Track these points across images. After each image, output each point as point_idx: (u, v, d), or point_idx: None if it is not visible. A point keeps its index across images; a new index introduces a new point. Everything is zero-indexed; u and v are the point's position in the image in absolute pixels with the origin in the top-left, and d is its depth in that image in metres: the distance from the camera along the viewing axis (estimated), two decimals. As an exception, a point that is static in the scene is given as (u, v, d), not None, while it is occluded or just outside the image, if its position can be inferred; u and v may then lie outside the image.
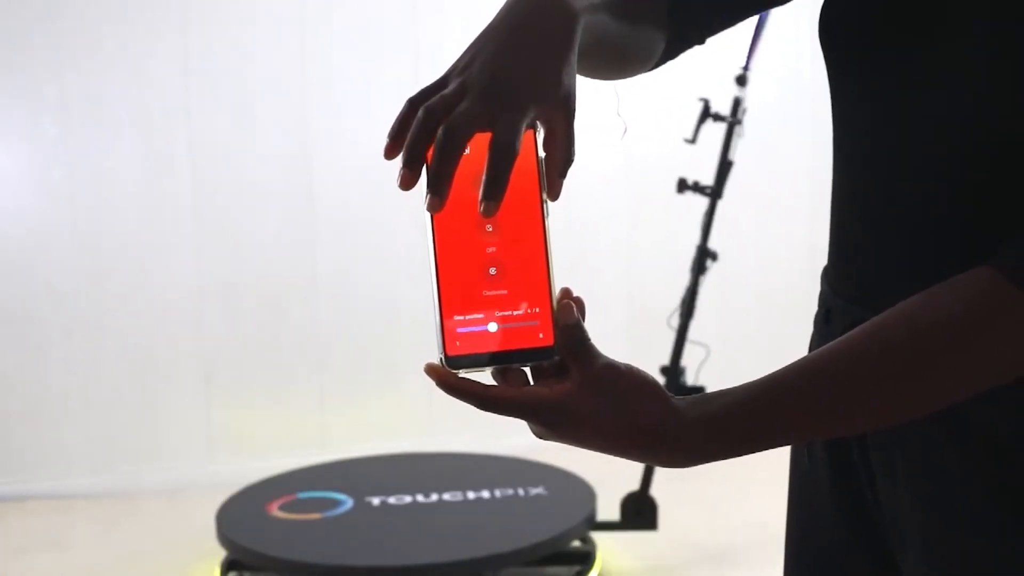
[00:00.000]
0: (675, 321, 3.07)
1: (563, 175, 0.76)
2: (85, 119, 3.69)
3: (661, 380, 1.67)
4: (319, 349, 3.91)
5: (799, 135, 4.09)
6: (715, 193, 3.04)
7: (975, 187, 0.81)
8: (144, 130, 3.75)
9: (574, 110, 0.76)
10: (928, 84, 0.84)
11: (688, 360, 3.08)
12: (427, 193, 0.72)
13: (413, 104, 0.75)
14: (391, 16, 3.88)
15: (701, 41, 0.99)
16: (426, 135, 0.72)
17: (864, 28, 0.90)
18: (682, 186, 3.03)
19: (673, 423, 0.74)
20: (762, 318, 4.17)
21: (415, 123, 0.73)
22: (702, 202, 3.11)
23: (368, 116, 3.75)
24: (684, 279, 3.11)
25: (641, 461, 0.77)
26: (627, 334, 3.90)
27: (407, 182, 0.73)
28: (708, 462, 0.76)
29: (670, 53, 0.99)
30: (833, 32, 0.93)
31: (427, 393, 3.80)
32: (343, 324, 3.92)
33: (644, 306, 3.97)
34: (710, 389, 0.81)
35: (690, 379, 3.09)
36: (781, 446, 0.80)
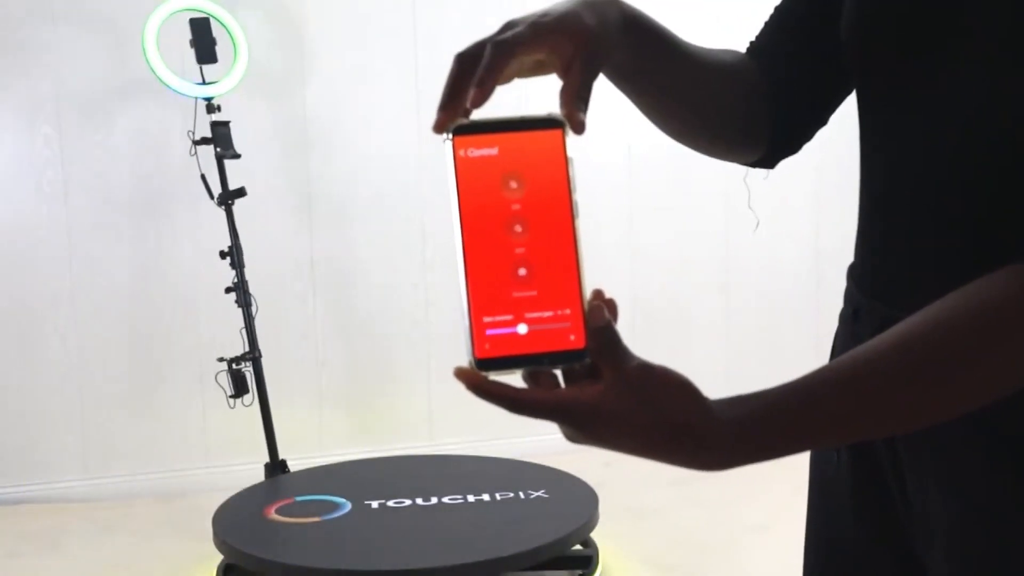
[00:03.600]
0: None
1: (581, 108, 0.75)
2: (80, 118, 3.67)
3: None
4: (319, 349, 3.89)
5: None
6: None
7: (1001, 187, 0.81)
8: (141, 129, 3.73)
9: (597, 46, 0.77)
10: (953, 87, 0.83)
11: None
12: (473, 87, 0.73)
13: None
14: (391, 13, 3.86)
15: (797, 148, 1.03)
16: (464, 77, 0.74)
17: (890, 34, 0.89)
18: None
19: (706, 425, 0.72)
20: (766, 317, 4.16)
21: (451, 68, 0.75)
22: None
23: (368, 115, 3.74)
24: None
25: (673, 463, 0.75)
26: (631, 332, 3.87)
27: (440, 125, 0.73)
28: (739, 465, 0.74)
29: (775, 152, 1.01)
30: (859, 37, 0.93)
31: (427, 395, 3.81)
32: (343, 324, 3.90)
33: (647, 302, 3.95)
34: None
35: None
36: (812, 449, 0.79)
